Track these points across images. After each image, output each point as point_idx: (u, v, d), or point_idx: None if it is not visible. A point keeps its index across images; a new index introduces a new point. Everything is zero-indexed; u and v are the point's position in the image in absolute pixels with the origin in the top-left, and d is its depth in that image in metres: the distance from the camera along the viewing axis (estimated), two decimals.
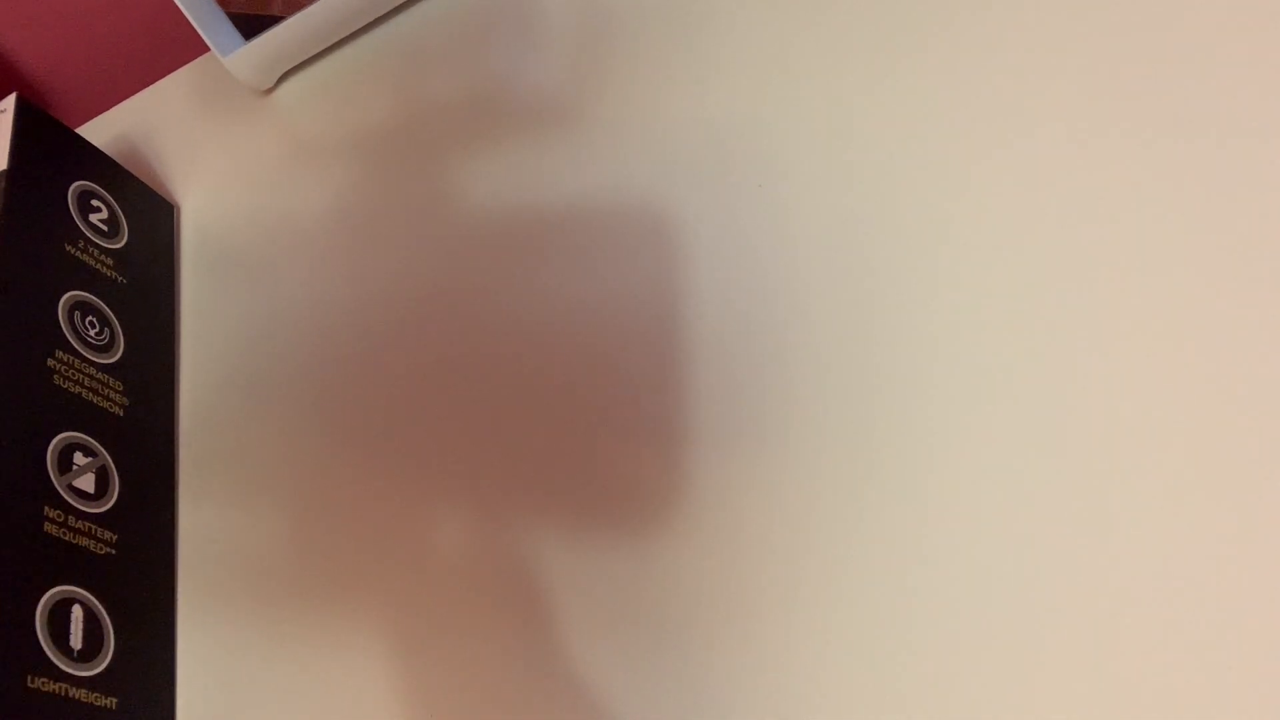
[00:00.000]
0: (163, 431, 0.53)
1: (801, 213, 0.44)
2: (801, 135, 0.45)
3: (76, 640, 0.43)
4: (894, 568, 0.37)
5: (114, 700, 0.44)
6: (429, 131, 0.55)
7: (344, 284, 0.53)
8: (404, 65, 0.58)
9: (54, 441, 0.46)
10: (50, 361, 0.48)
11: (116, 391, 0.51)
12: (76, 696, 0.42)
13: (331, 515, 0.48)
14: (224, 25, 0.57)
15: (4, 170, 0.50)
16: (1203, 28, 0.40)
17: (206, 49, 0.67)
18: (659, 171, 0.48)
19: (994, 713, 0.34)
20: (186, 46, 0.70)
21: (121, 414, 0.50)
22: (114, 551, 0.47)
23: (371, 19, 0.59)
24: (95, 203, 0.55)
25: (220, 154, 0.61)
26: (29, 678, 0.40)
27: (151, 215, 0.59)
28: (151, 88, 0.67)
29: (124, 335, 0.53)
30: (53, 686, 0.41)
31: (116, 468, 0.49)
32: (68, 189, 0.53)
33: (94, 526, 0.46)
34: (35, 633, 0.41)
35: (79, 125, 0.68)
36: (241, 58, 0.58)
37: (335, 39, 0.59)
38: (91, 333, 0.51)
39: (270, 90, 0.62)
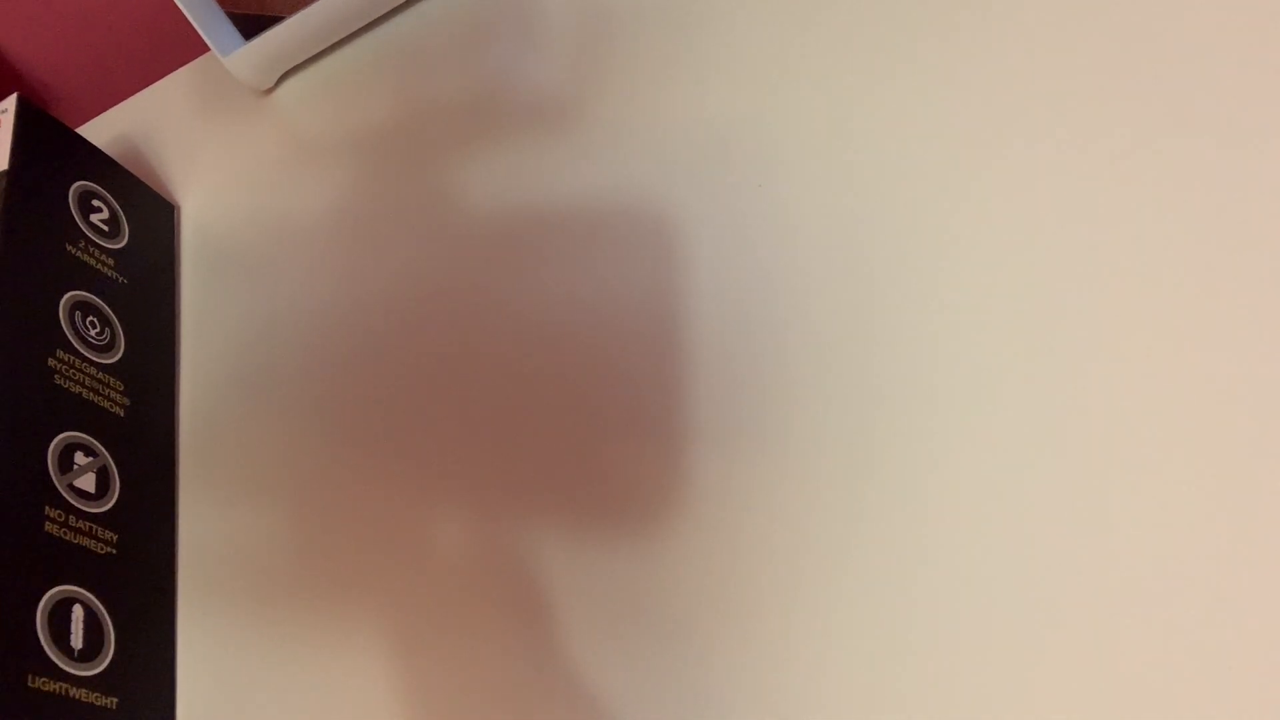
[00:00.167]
0: (163, 431, 0.53)
1: (801, 213, 0.44)
2: (801, 135, 0.45)
3: (77, 640, 0.43)
4: (894, 568, 0.37)
5: (114, 700, 0.44)
6: (429, 131, 0.55)
7: (344, 284, 0.53)
8: (404, 65, 0.58)
9: (55, 441, 0.46)
10: (51, 361, 0.48)
11: (117, 391, 0.51)
12: (77, 696, 0.42)
13: (332, 515, 0.48)
14: (224, 25, 0.57)
15: (5, 170, 0.50)
16: (1203, 28, 0.40)
17: (206, 49, 0.67)
18: (659, 171, 0.48)
19: (994, 713, 0.34)
20: (186, 46, 0.70)
21: (122, 414, 0.50)
22: (114, 551, 0.47)
23: (371, 19, 0.59)
24: (96, 203, 0.55)
25: (220, 154, 0.61)
26: (29, 677, 0.40)
27: (152, 215, 0.59)
28: (151, 88, 0.67)
29: (125, 335, 0.53)
30: (53, 686, 0.41)
31: (117, 467, 0.49)
32: (68, 189, 0.53)
33: (95, 526, 0.46)
34: (36, 632, 0.41)
35: (79, 125, 0.68)
36: (241, 58, 0.58)
37: (335, 39, 0.59)
38: (92, 333, 0.51)
39: (270, 90, 0.62)
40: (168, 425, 0.53)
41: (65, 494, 0.45)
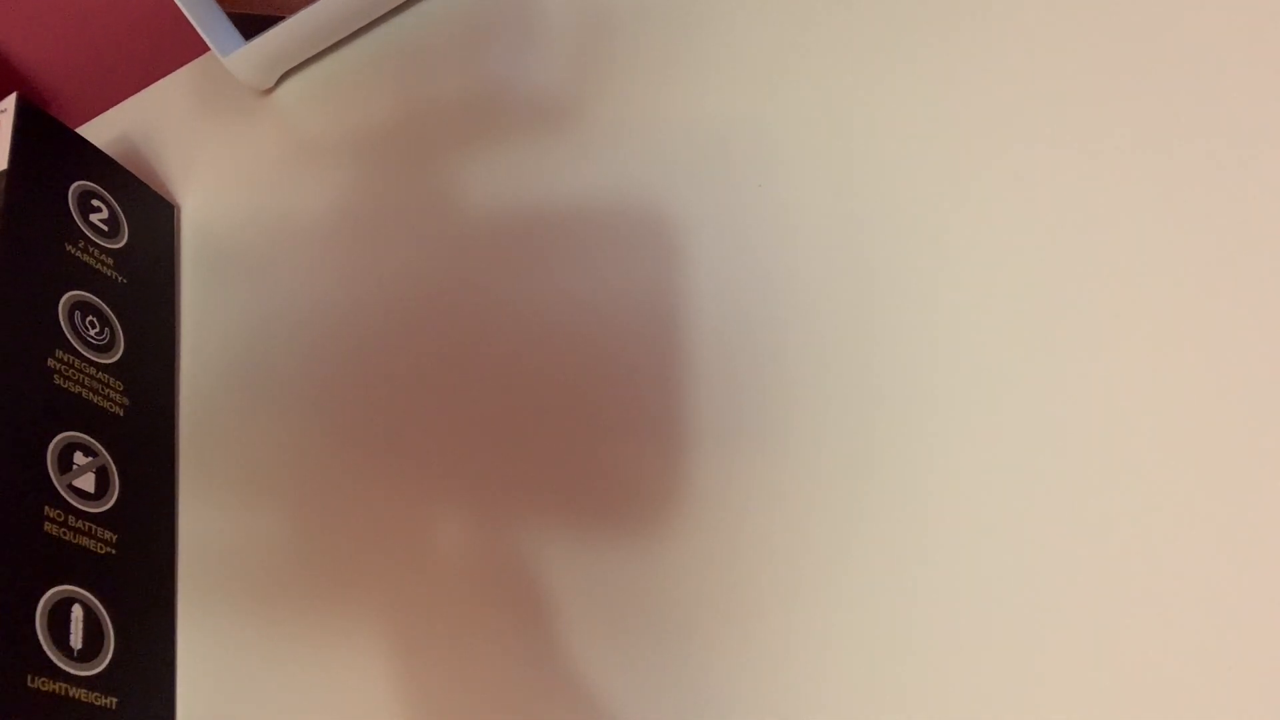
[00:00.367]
0: (163, 431, 0.53)
1: (801, 213, 0.44)
2: (801, 135, 0.45)
3: (77, 640, 0.43)
4: (894, 568, 0.37)
5: (114, 700, 0.44)
6: (429, 131, 0.55)
7: (344, 284, 0.53)
8: (404, 65, 0.58)
9: (54, 441, 0.46)
10: (50, 361, 0.48)
11: (116, 391, 0.51)
12: (76, 696, 0.42)
13: (332, 514, 0.48)
14: (224, 25, 0.57)
15: (4, 170, 0.50)
16: (1203, 29, 0.40)
17: (206, 49, 0.67)
18: (659, 171, 0.48)
19: (994, 713, 0.34)
20: (186, 46, 0.70)
21: (121, 414, 0.50)
22: (114, 551, 0.47)
23: (371, 19, 0.59)
24: (95, 202, 0.55)
25: (220, 154, 0.61)
26: (29, 677, 0.40)
27: (152, 215, 0.59)
28: (151, 88, 0.67)
29: (124, 335, 0.53)
30: (53, 686, 0.41)
31: (116, 467, 0.49)
32: (68, 189, 0.53)
33: (94, 526, 0.46)
34: (35, 632, 0.41)
35: (79, 125, 0.68)
36: (241, 58, 0.58)
37: (335, 39, 0.59)
38: (92, 332, 0.51)
39: (270, 90, 0.62)
40: (167, 425, 0.53)
41: (65, 494, 0.45)
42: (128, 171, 0.58)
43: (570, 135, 0.51)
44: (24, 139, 0.52)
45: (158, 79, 0.70)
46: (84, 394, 0.49)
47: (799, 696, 0.37)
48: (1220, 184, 0.38)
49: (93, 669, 0.43)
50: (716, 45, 0.49)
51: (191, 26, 0.61)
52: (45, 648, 0.41)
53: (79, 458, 0.47)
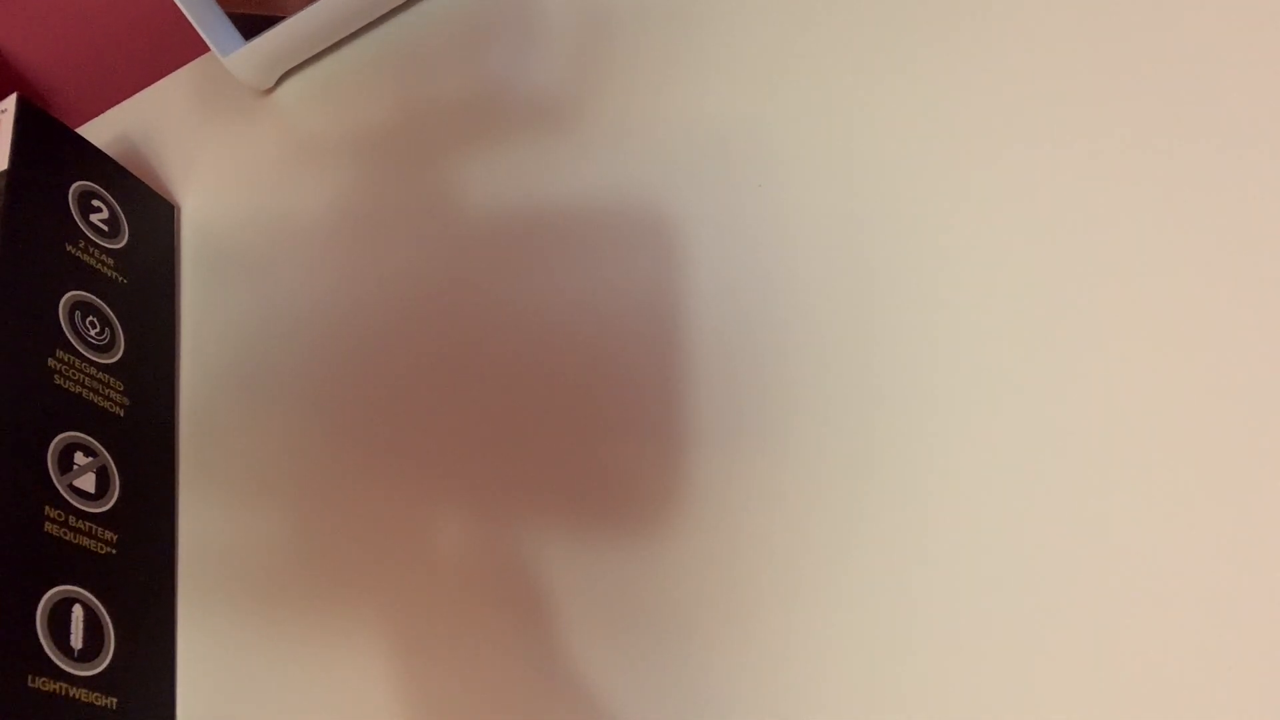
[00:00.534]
0: (163, 431, 0.53)
1: (801, 213, 0.44)
2: (801, 135, 0.45)
3: (77, 640, 0.43)
4: (894, 568, 0.37)
5: (114, 700, 0.44)
6: (429, 131, 0.55)
7: (344, 284, 0.53)
8: (404, 65, 0.58)
9: (54, 441, 0.46)
10: (51, 361, 0.48)
11: (117, 391, 0.51)
12: (77, 696, 0.42)
13: (332, 514, 0.48)
14: (224, 25, 0.57)
15: (4, 170, 0.50)
16: (1203, 29, 0.40)
17: (206, 49, 0.67)
18: (659, 171, 0.48)
19: (994, 713, 0.34)
20: (186, 46, 0.70)
21: (122, 414, 0.50)
22: (114, 551, 0.47)
23: (371, 19, 0.59)
24: (96, 203, 0.55)
25: (220, 154, 0.61)
26: (29, 677, 0.40)
27: (152, 215, 0.59)
28: (151, 88, 0.67)
29: (124, 335, 0.53)
30: (53, 686, 0.41)
31: (117, 467, 0.49)
32: (68, 189, 0.53)
33: (94, 526, 0.46)
34: (36, 632, 0.41)
35: (79, 125, 0.68)
36: (241, 58, 0.58)
37: (335, 39, 0.59)
38: (92, 333, 0.51)
39: (270, 90, 0.62)
40: (167, 425, 0.53)
41: (65, 494, 0.45)
42: (128, 172, 0.58)
43: (570, 135, 0.51)
44: (24, 139, 0.52)
45: (158, 79, 0.70)
46: (84, 394, 0.49)
47: (799, 696, 0.37)
48: (1220, 184, 0.38)
49: (93, 669, 0.43)
50: (716, 45, 0.49)
51: (191, 26, 0.61)
52: (46, 648, 0.41)
53: (79, 458, 0.47)
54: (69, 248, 0.52)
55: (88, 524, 0.46)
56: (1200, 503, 0.34)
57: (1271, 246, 0.36)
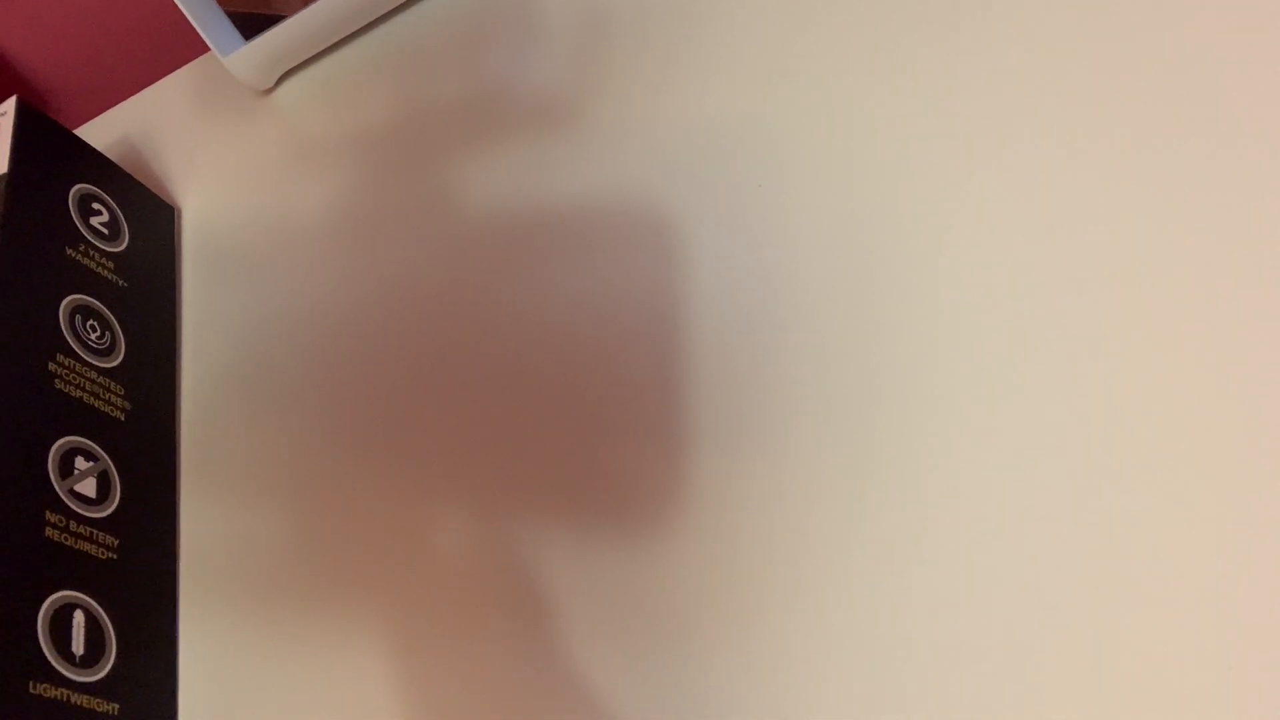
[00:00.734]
0: (164, 435, 0.53)
1: (801, 213, 0.44)
2: (801, 135, 0.45)
3: (78, 646, 0.43)
4: (894, 568, 0.37)
5: (116, 706, 0.43)
6: (429, 131, 0.55)
7: (345, 284, 0.53)
8: (404, 65, 0.58)
9: (55, 446, 0.46)
10: (51, 365, 0.48)
11: (118, 395, 0.51)
12: (78, 703, 0.42)
13: (333, 516, 0.48)
14: (224, 25, 0.57)
15: (4, 174, 0.50)
16: (1204, 29, 0.40)
17: (206, 49, 0.67)
18: (659, 171, 0.48)
19: (994, 713, 0.34)
20: (186, 46, 0.70)
21: (123, 418, 0.50)
22: (115, 556, 0.47)
23: (371, 19, 0.59)
24: (96, 206, 0.55)
25: (220, 154, 0.61)
26: (31, 684, 0.40)
27: (152, 218, 0.59)
28: (151, 88, 0.67)
29: (125, 339, 0.53)
30: (55, 692, 0.41)
31: (118, 472, 0.49)
32: (68, 192, 0.53)
33: (95, 531, 0.46)
34: (37, 638, 0.41)
35: (79, 126, 0.68)
36: (241, 58, 0.58)
37: (335, 39, 0.59)
38: (92, 336, 0.51)
39: (270, 90, 0.62)
40: (168, 429, 0.53)
41: (66, 499, 0.45)
42: (128, 174, 0.58)
43: (570, 135, 0.51)
44: (24, 142, 0.52)
45: (158, 79, 0.70)
46: (85, 398, 0.49)
47: (799, 696, 0.37)
48: (1220, 184, 0.38)
49: (94, 675, 0.43)
50: (716, 45, 0.49)
51: (191, 26, 0.61)
52: (47, 654, 0.41)
53: (80, 462, 0.47)
54: (69, 251, 0.52)
55: (89, 529, 0.46)
56: (1200, 502, 0.34)
57: (1272, 246, 0.36)
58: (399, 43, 0.59)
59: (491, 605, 0.43)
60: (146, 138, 0.65)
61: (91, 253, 0.53)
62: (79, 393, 0.48)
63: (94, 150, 0.57)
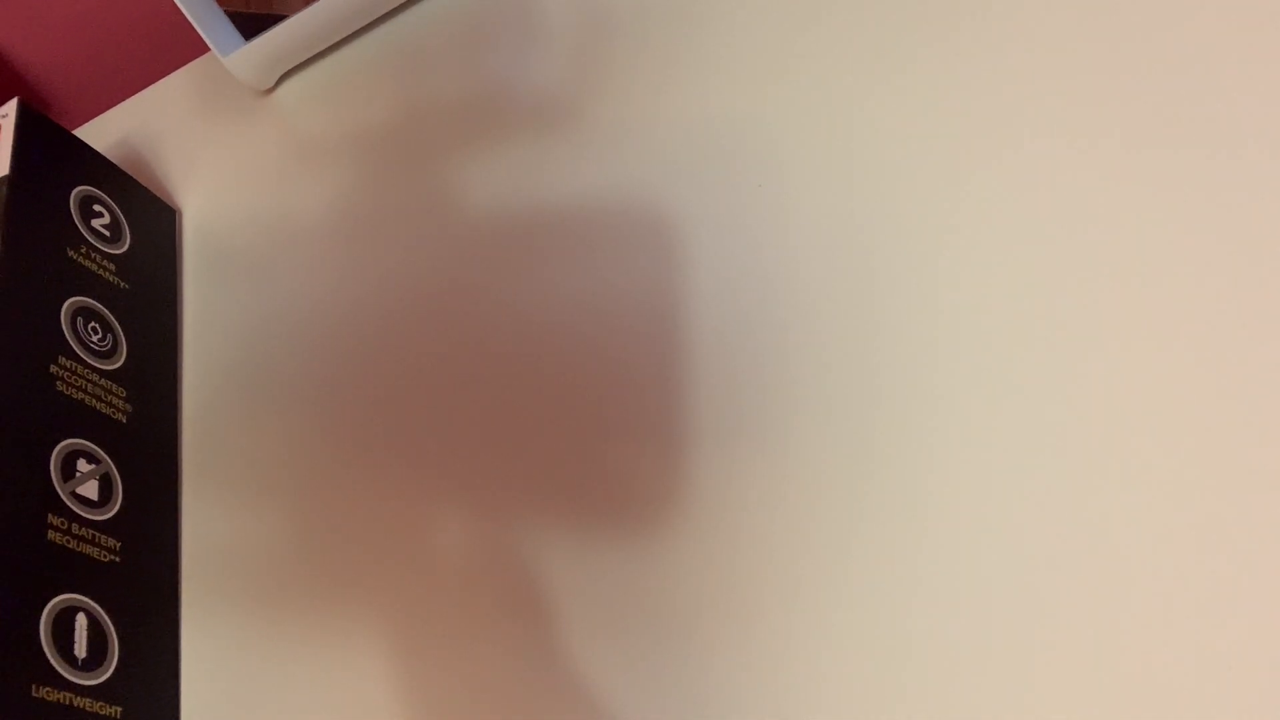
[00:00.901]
0: (165, 437, 0.53)
1: (801, 213, 0.44)
2: (801, 135, 0.45)
3: (80, 649, 0.43)
4: (894, 568, 0.37)
5: (119, 709, 0.44)
6: (429, 131, 0.55)
7: (345, 284, 0.53)
8: (404, 65, 0.58)
9: (57, 448, 0.46)
10: (53, 368, 0.48)
11: (119, 398, 0.51)
12: (81, 706, 0.42)
13: (334, 517, 0.48)
14: (224, 25, 0.57)
15: (6, 175, 0.50)
16: (1204, 30, 0.40)
17: (206, 49, 0.67)
18: (659, 171, 0.48)
19: (994, 713, 0.34)
20: (186, 46, 0.70)
21: (124, 420, 0.50)
22: (117, 559, 0.47)
23: (371, 19, 0.59)
24: (97, 208, 0.55)
25: (221, 155, 0.61)
26: (34, 687, 0.40)
27: (153, 220, 0.59)
28: (151, 88, 0.67)
29: (126, 341, 0.53)
30: (57, 696, 0.41)
31: (120, 474, 0.49)
32: (69, 194, 0.53)
33: (97, 534, 0.46)
34: (39, 641, 0.41)
35: (79, 126, 0.68)
36: (241, 58, 0.58)
37: (335, 39, 0.59)
38: (94, 338, 0.51)
39: (270, 90, 0.62)
40: (170, 431, 0.53)
41: (68, 501, 0.45)
42: (129, 176, 0.58)
43: (570, 135, 0.51)
44: (25, 144, 0.52)
45: (158, 79, 0.70)
46: (87, 400, 0.49)
47: (799, 696, 0.37)
48: (1220, 184, 0.38)
49: (97, 678, 0.43)
50: (716, 45, 0.49)
51: (191, 26, 0.61)
52: (49, 657, 0.41)
53: (82, 465, 0.47)
54: (71, 253, 0.52)
55: (91, 532, 0.46)
56: (1200, 503, 0.34)
57: (1272, 246, 0.36)
58: (399, 43, 0.59)
59: (492, 605, 0.43)
60: (146, 138, 0.65)
61: (93, 255, 0.53)
62: (81, 395, 0.48)
63: (95, 152, 0.57)
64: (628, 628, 0.40)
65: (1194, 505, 0.34)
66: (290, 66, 0.60)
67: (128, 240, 0.56)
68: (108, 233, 0.55)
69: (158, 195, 0.60)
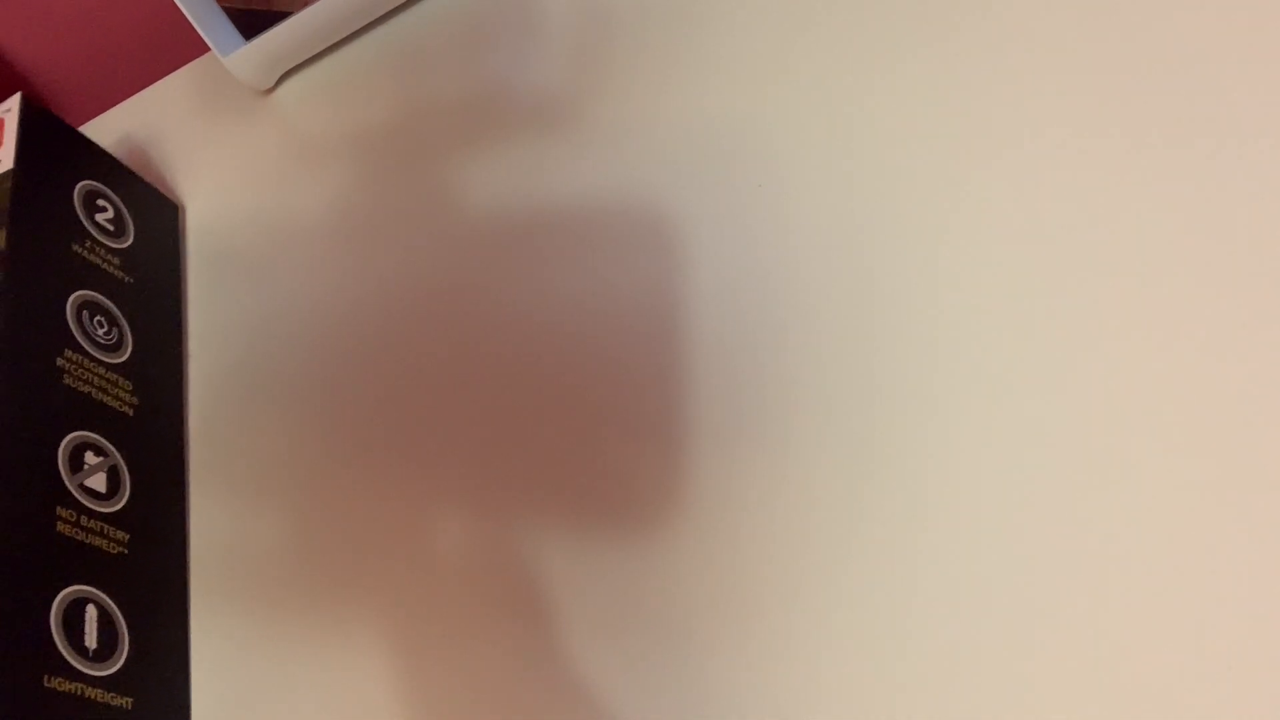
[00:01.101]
0: (172, 430, 0.53)
1: (801, 213, 0.44)
2: (801, 135, 0.45)
3: (91, 640, 0.43)
4: (894, 568, 0.37)
5: (129, 700, 0.43)
6: (429, 131, 0.55)
7: (345, 284, 0.53)
8: (404, 65, 0.58)
9: (65, 441, 0.46)
10: (59, 361, 0.47)
11: (125, 391, 0.51)
12: (92, 697, 0.42)
13: (334, 518, 0.48)
14: (224, 25, 0.57)
15: (10, 170, 0.50)
16: (1202, 29, 0.40)
17: (206, 49, 0.67)
18: (659, 171, 0.48)
19: (993, 712, 0.34)
20: (186, 46, 0.70)
21: (131, 413, 0.50)
22: (126, 551, 0.47)
23: (371, 19, 0.59)
24: (101, 202, 0.55)
25: (220, 155, 0.61)
26: (45, 677, 0.40)
27: (157, 215, 0.59)
28: (151, 88, 0.66)
29: (132, 334, 0.53)
30: (69, 686, 0.41)
31: (127, 467, 0.49)
32: (73, 189, 0.53)
33: (106, 526, 0.46)
34: (50, 633, 0.41)
35: (79, 126, 0.68)
36: (241, 58, 0.57)
37: (335, 39, 0.59)
38: (100, 332, 0.51)
39: (270, 90, 0.62)
40: (176, 423, 0.53)
41: (76, 494, 0.45)
42: (132, 171, 0.58)
43: (570, 135, 0.51)
44: (29, 139, 0.51)
45: (158, 79, 0.69)
46: (93, 393, 0.49)
47: (799, 696, 0.37)
48: (1221, 184, 0.38)
49: (108, 669, 0.43)
50: (716, 45, 0.49)
51: (191, 26, 0.61)
52: (60, 648, 0.41)
53: (90, 457, 0.47)
54: (75, 247, 0.52)
55: (99, 523, 0.46)
56: (1200, 503, 0.34)
57: (1272, 246, 0.36)
58: (399, 43, 0.59)
59: (492, 604, 0.43)
60: (146, 138, 0.64)
61: (97, 249, 0.53)
62: (87, 388, 0.48)
63: (98, 147, 0.57)
64: (628, 627, 0.40)
65: (1194, 505, 0.34)
66: (290, 66, 0.60)
67: (131, 234, 0.56)
68: (111, 227, 0.55)
69: (161, 191, 0.60)
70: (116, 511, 0.47)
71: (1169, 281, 0.37)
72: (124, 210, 0.56)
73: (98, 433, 0.48)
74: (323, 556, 0.47)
